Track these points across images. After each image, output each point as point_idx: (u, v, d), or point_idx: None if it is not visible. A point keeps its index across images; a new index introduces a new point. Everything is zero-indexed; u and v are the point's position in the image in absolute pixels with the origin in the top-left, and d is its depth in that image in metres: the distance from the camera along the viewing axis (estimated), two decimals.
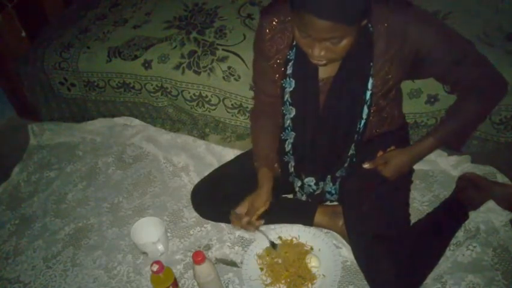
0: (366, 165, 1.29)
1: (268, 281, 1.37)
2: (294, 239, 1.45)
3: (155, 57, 1.79)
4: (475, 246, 1.36)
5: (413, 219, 1.37)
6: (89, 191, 1.77)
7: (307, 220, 1.47)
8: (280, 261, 1.40)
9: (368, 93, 1.20)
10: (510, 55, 1.49)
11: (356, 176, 1.34)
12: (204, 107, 1.82)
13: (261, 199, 1.33)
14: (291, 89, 1.24)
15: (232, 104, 1.77)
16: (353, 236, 1.33)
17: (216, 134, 1.88)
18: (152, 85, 1.83)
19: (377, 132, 1.34)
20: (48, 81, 1.97)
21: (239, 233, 1.53)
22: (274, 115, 1.37)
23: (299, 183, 1.41)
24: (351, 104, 1.22)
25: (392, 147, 1.30)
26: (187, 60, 1.76)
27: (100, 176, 1.83)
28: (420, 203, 1.53)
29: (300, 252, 1.41)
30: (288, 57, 1.22)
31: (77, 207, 1.72)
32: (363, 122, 1.25)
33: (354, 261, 1.34)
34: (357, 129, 1.26)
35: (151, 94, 1.86)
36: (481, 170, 1.55)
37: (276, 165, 1.39)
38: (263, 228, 1.50)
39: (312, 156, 1.33)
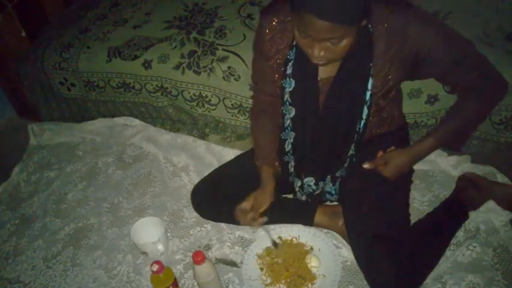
0: (366, 166, 1.29)
1: (268, 281, 1.37)
2: (294, 239, 1.45)
3: (155, 57, 1.79)
4: (475, 246, 1.35)
5: (413, 219, 1.37)
6: (89, 191, 1.77)
7: (307, 220, 1.47)
8: (280, 261, 1.40)
9: (368, 93, 1.20)
10: (510, 55, 1.49)
11: (356, 176, 1.34)
12: (204, 107, 1.82)
13: (266, 196, 1.33)
14: (291, 89, 1.24)
15: (232, 104, 1.77)
16: (353, 236, 1.33)
17: (216, 134, 1.88)
18: (152, 85, 1.83)
19: (377, 133, 1.34)
20: (48, 81, 1.97)
21: (239, 233, 1.53)
22: (274, 114, 1.37)
23: (299, 183, 1.41)
24: (351, 104, 1.22)
25: (392, 148, 1.30)
26: (187, 60, 1.76)
27: (100, 176, 1.83)
28: (420, 203, 1.53)
29: (300, 252, 1.41)
30: (288, 57, 1.22)
31: (77, 207, 1.72)
32: (363, 122, 1.25)
33: (354, 261, 1.34)
34: (357, 130, 1.26)
35: (151, 94, 1.86)
36: (481, 170, 1.55)
37: (277, 163, 1.39)
38: (263, 228, 1.51)
39: (312, 156, 1.33)
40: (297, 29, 1.05)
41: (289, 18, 1.17)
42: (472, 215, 1.42)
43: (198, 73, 1.74)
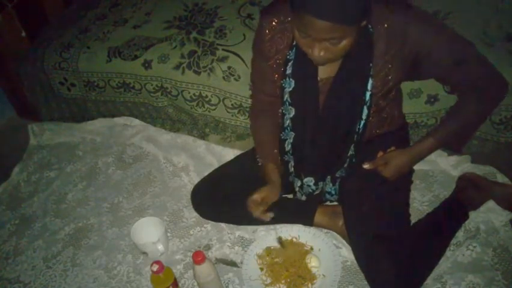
0: (366, 166, 1.29)
1: (268, 281, 1.37)
2: (294, 239, 1.45)
3: (155, 57, 1.79)
4: (475, 246, 1.35)
5: (413, 219, 1.37)
6: (89, 191, 1.77)
7: (307, 220, 1.47)
8: (280, 261, 1.40)
9: (368, 93, 1.20)
10: (510, 55, 1.49)
11: (356, 176, 1.34)
12: (204, 107, 1.82)
13: (274, 192, 1.32)
14: (291, 89, 1.24)
15: (232, 104, 1.77)
16: (353, 236, 1.33)
17: (216, 134, 1.88)
18: (152, 85, 1.83)
19: (377, 133, 1.34)
20: (48, 81, 1.97)
21: (239, 233, 1.53)
22: (273, 114, 1.37)
23: (299, 183, 1.41)
24: (351, 104, 1.22)
25: (392, 148, 1.30)
26: (187, 60, 1.76)
27: (100, 176, 1.83)
28: (420, 203, 1.53)
29: (300, 252, 1.41)
30: (288, 57, 1.22)
31: (77, 207, 1.72)
32: (362, 122, 1.25)
33: (354, 261, 1.34)
34: (357, 130, 1.26)
35: (151, 94, 1.86)
36: (481, 170, 1.55)
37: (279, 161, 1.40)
38: (263, 227, 1.51)
39: (312, 156, 1.33)
40: (297, 29, 1.05)
41: (289, 19, 1.17)
42: (472, 215, 1.42)
43: (198, 73, 1.74)
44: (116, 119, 2.00)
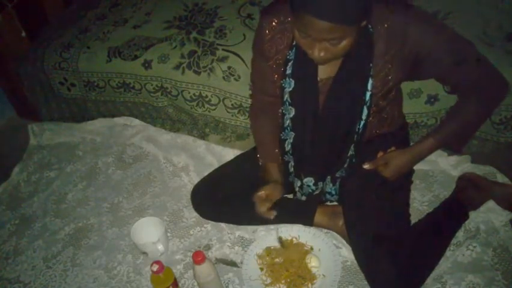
0: (366, 166, 1.29)
1: (268, 281, 1.37)
2: (294, 239, 1.45)
3: (155, 57, 1.79)
4: (475, 246, 1.35)
5: (413, 219, 1.37)
6: (89, 191, 1.77)
7: (307, 220, 1.47)
8: (280, 261, 1.40)
9: (368, 94, 1.20)
10: (510, 55, 1.49)
11: (356, 177, 1.34)
12: (204, 107, 1.82)
13: (278, 190, 1.33)
14: (291, 89, 1.24)
15: (232, 104, 1.77)
16: (353, 236, 1.33)
17: (216, 134, 1.88)
18: (152, 85, 1.83)
19: (377, 133, 1.34)
20: (48, 81, 1.97)
21: (239, 233, 1.53)
22: (273, 114, 1.37)
23: (299, 183, 1.41)
24: (351, 104, 1.22)
25: (392, 148, 1.30)
26: (187, 60, 1.76)
27: (100, 176, 1.83)
28: (420, 203, 1.53)
29: (300, 252, 1.41)
30: (288, 57, 1.22)
31: (77, 207, 1.72)
32: (362, 122, 1.25)
33: (354, 261, 1.34)
34: (357, 130, 1.26)
35: (151, 94, 1.86)
36: (481, 170, 1.55)
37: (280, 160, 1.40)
38: (263, 227, 1.51)
39: (312, 156, 1.33)
40: (297, 30, 1.04)
41: (289, 19, 1.17)
42: (472, 215, 1.42)
43: (198, 73, 1.74)
44: (116, 119, 2.00)
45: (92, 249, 1.57)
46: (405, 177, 1.37)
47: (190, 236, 1.56)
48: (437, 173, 1.61)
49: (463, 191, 1.46)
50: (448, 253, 1.36)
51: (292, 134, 1.32)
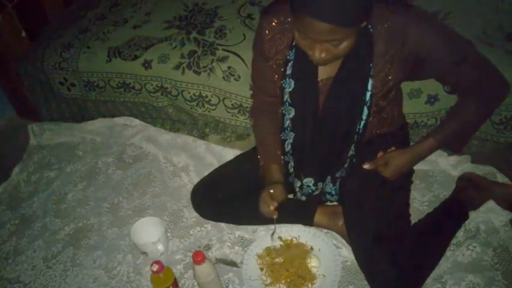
0: (366, 166, 1.29)
1: (268, 281, 1.37)
2: (294, 239, 1.45)
3: (155, 57, 1.79)
4: (475, 246, 1.35)
5: (413, 219, 1.37)
6: (89, 191, 1.77)
7: (307, 220, 1.47)
8: (280, 261, 1.40)
9: (368, 94, 1.19)
10: (510, 55, 1.49)
11: (356, 177, 1.34)
12: (204, 107, 1.82)
13: (282, 192, 1.32)
14: (291, 89, 1.24)
15: (232, 104, 1.77)
16: (353, 236, 1.33)
17: (216, 134, 1.88)
18: (152, 85, 1.83)
19: (377, 133, 1.34)
20: (48, 81, 1.97)
21: (239, 233, 1.53)
22: (274, 115, 1.37)
23: (298, 184, 1.41)
24: (351, 104, 1.22)
25: (393, 148, 1.30)
26: (187, 60, 1.76)
27: (100, 176, 1.83)
28: (420, 203, 1.53)
29: (300, 252, 1.41)
30: (288, 57, 1.22)
31: (77, 207, 1.72)
32: (362, 122, 1.25)
33: (354, 261, 1.34)
34: (357, 130, 1.26)
35: (151, 94, 1.86)
36: (481, 170, 1.55)
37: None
38: (263, 227, 1.51)
39: (312, 156, 1.33)
40: (297, 31, 1.04)
41: (289, 19, 1.17)
42: (472, 215, 1.42)
43: (198, 73, 1.74)
44: (116, 119, 2.00)
45: (92, 249, 1.57)
46: (405, 177, 1.37)
47: (190, 236, 1.56)
48: (437, 173, 1.61)
49: (463, 191, 1.46)
50: (448, 253, 1.36)
51: (292, 135, 1.32)
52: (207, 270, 1.26)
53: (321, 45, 1.03)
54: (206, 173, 1.59)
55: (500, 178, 1.53)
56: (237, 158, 1.62)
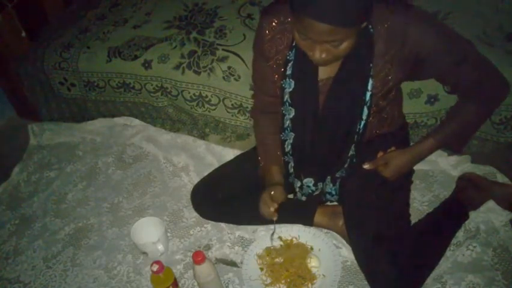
0: (366, 166, 1.29)
1: (268, 281, 1.37)
2: (294, 239, 1.45)
3: (155, 57, 1.79)
4: (475, 246, 1.35)
5: (413, 219, 1.37)
6: (89, 191, 1.77)
7: (307, 220, 1.47)
8: (280, 261, 1.40)
9: (368, 94, 1.19)
10: (510, 55, 1.49)
11: (356, 177, 1.34)
12: (204, 107, 1.82)
13: (282, 193, 1.32)
14: (291, 89, 1.24)
15: (232, 104, 1.77)
16: (353, 236, 1.33)
17: (216, 134, 1.88)
18: (152, 85, 1.83)
19: (377, 133, 1.34)
20: (48, 81, 1.97)
21: (239, 233, 1.53)
22: (275, 115, 1.37)
23: (299, 184, 1.41)
24: (351, 104, 1.22)
25: (393, 148, 1.30)
26: (187, 60, 1.76)
27: (100, 176, 1.83)
28: (420, 203, 1.53)
29: (300, 252, 1.41)
30: (288, 57, 1.22)
31: (77, 207, 1.72)
32: (363, 122, 1.24)
33: (354, 261, 1.34)
34: (357, 130, 1.26)
35: (151, 94, 1.86)
36: (481, 170, 1.55)
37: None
38: (263, 227, 1.51)
39: (312, 157, 1.33)
40: (297, 31, 1.04)
41: (289, 20, 1.17)
42: (472, 215, 1.42)
43: (198, 73, 1.74)
44: (116, 119, 2.00)
45: (92, 249, 1.57)
46: (405, 177, 1.37)
47: (190, 236, 1.56)
48: (437, 173, 1.61)
49: (463, 191, 1.46)
50: (448, 253, 1.36)
51: (292, 135, 1.32)
52: (207, 270, 1.26)
53: (321, 46, 1.03)
54: (206, 173, 1.59)
55: (500, 178, 1.53)
56: (237, 158, 1.62)
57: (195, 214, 1.57)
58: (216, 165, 1.69)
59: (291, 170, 1.40)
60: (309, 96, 1.23)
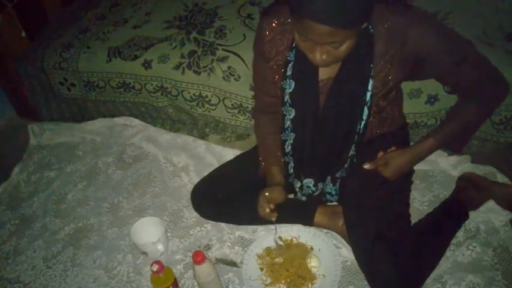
0: (366, 166, 1.29)
1: (268, 281, 1.37)
2: (294, 239, 1.45)
3: (155, 57, 1.79)
4: (475, 246, 1.36)
5: (413, 219, 1.37)
6: (89, 191, 1.77)
7: (307, 220, 1.47)
8: (280, 261, 1.40)
9: (368, 94, 1.19)
10: (510, 55, 1.49)
11: (356, 177, 1.34)
12: (204, 107, 1.82)
13: (282, 193, 1.32)
14: (291, 90, 1.24)
15: (232, 104, 1.77)
16: (353, 236, 1.33)
17: (216, 134, 1.88)
18: (152, 85, 1.83)
19: (377, 133, 1.34)
20: (48, 81, 1.97)
21: (239, 233, 1.53)
22: (275, 115, 1.37)
23: (299, 184, 1.41)
24: (351, 105, 1.22)
25: (393, 148, 1.30)
26: (187, 60, 1.76)
27: (100, 176, 1.83)
28: (420, 203, 1.53)
29: (300, 252, 1.41)
30: (288, 58, 1.22)
31: (77, 207, 1.72)
32: (363, 122, 1.25)
33: (354, 261, 1.34)
34: (357, 130, 1.26)
35: (151, 94, 1.86)
36: (481, 170, 1.55)
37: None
38: (263, 227, 1.51)
39: (312, 157, 1.33)
40: (297, 33, 1.04)
41: (289, 20, 1.17)
42: (472, 215, 1.42)
43: (198, 73, 1.74)
44: (116, 119, 2.00)
45: (92, 249, 1.57)
46: (405, 177, 1.37)
47: (190, 236, 1.56)
48: (437, 173, 1.61)
49: (463, 191, 1.46)
50: (448, 253, 1.36)
51: (292, 135, 1.32)
52: (207, 270, 1.26)
53: (321, 48, 1.03)
54: (206, 173, 1.59)
55: (500, 178, 1.52)
56: (237, 158, 1.62)
57: (195, 214, 1.57)
58: (216, 165, 1.69)
59: (291, 171, 1.40)
60: (309, 96, 1.23)
